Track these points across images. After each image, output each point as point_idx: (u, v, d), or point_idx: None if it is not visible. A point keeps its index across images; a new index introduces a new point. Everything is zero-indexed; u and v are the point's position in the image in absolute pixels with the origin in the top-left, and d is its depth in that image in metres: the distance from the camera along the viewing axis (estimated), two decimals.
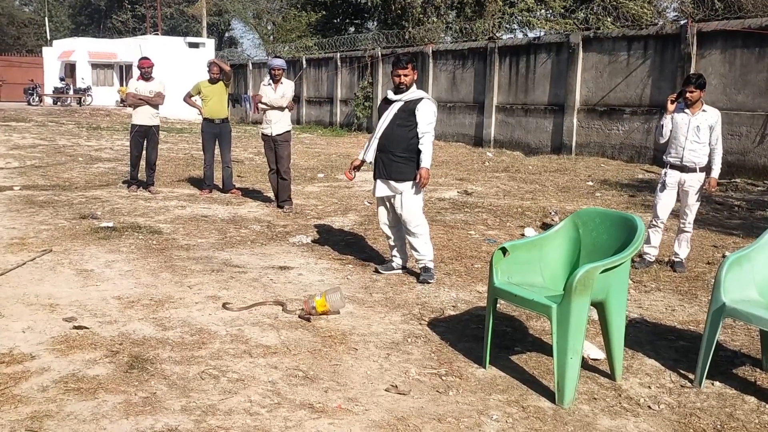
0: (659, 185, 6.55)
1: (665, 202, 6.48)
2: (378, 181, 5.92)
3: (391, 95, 5.87)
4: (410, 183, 5.78)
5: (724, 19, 13.87)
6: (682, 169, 6.36)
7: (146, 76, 10.09)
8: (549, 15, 27.38)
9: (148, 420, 3.31)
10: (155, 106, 10.13)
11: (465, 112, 20.01)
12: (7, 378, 3.72)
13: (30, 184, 10.65)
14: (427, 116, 5.76)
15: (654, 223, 6.54)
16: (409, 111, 5.74)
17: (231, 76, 10.44)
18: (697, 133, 6.25)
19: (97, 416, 3.33)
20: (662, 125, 6.40)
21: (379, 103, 6.08)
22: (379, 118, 5.92)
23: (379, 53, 23.50)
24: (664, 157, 6.54)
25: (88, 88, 32.75)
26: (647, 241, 6.51)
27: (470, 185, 11.86)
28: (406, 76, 5.74)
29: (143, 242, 7.02)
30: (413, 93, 5.82)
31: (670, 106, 6.36)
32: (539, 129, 17.63)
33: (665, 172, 6.49)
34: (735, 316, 3.82)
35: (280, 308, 5.00)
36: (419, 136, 5.73)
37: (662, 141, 6.46)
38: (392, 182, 5.82)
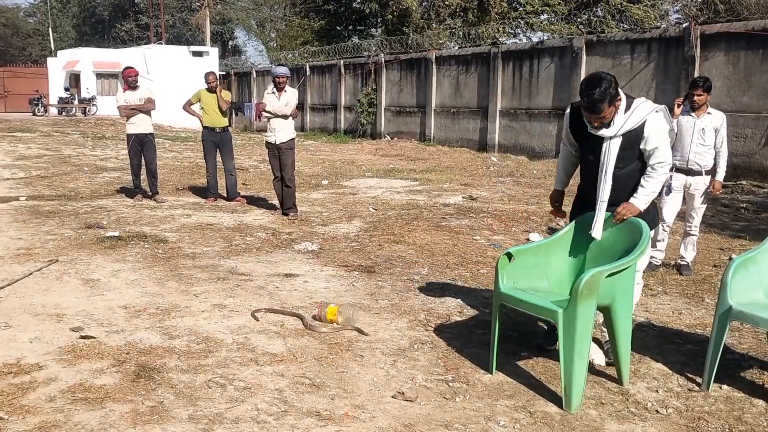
0: (664, 188, 6.51)
1: (671, 205, 6.46)
2: None
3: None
4: None
5: (728, 21, 13.87)
6: (688, 172, 6.35)
7: (133, 85, 10.10)
8: (552, 19, 27.41)
9: (155, 429, 3.31)
10: (148, 113, 10.17)
11: (469, 117, 20.02)
12: (15, 388, 3.73)
13: (36, 195, 10.69)
14: None
15: (660, 226, 6.52)
16: None
17: (230, 103, 10.40)
18: (703, 135, 6.24)
19: (105, 426, 3.33)
20: None
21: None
22: None
23: (383, 59, 23.55)
24: None
25: (93, 98, 32.85)
26: (653, 245, 6.48)
27: (475, 190, 11.85)
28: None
29: (149, 251, 7.03)
30: None
31: (677, 110, 6.35)
32: (543, 133, 17.63)
33: (670, 175, 6.45)
34: (742, 319, 3.81)
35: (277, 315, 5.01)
36: None
37: None
38: None
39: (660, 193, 6.51)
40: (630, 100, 4.11)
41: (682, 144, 6.34)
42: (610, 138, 4.05)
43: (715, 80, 13.51)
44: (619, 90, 4.03)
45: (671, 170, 6.42)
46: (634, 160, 4.12)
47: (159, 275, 6.11)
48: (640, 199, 4.09)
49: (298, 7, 37.48)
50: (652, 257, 6.53)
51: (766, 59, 12.95)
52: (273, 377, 3.95)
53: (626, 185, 4.13)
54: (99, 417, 3.42)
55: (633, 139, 4.05)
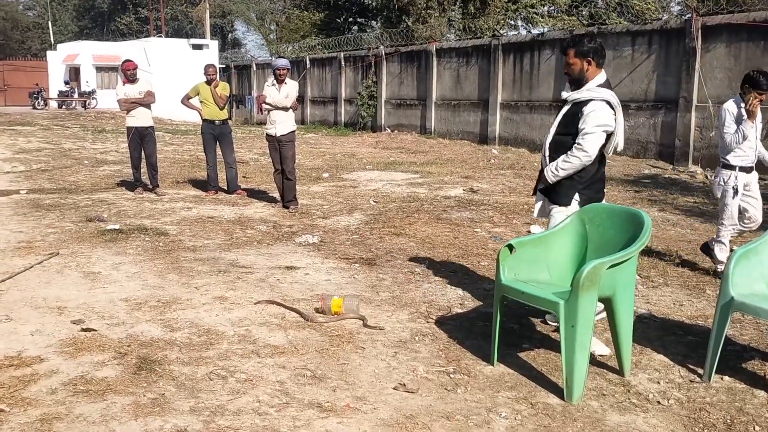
0: (731, 191, 6.05)
1: (736, 206, 6.08)
2: None
3: None
4: None
5: (729, 12, 13.80)
6: (749, 170, 6.06)
7: (132, 78, 10.08)
8: (553, 11, 27.34)
9: (157, 421, 3.31)
10: (148, 106, 10.15)
11: (470, 109, 19.99)
12: (16, 381, 3.73)
13: (36, 188, 10.68)
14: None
15: (733, 230, 6.15)
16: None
17: (226, 98, 10.34)
18: (760, 131, 6.11)
19: (107, 418, 3.34)
20: (745, 133, 5.87)
21: None
22: None
23: (383, 52, 23.49)
24: (729, 161, 6.03)
25: (93, 92, 32.82)
26: (721, 244, 6.16)
27: (476, 183, 11.84)
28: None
29: (150, 244, 7.03)
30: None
31: (757, 112, 5.85)
32: (544, 126, 17.57)
33: (736, 177, 6.01)
34: (743, 310, 3.81)
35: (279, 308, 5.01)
36: None
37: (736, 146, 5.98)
38: None
39: (730, 196, 6.05)
40: (606, 84, 4.40)
41: (749, 143, 5.92)
42: (565, 103, 4.47)
43: (716, 72, 13.53)
44: (603, 69, 4.39)
45: (734, 170, 6.01)
46: (570, 135, 4.40)
47: (160, 268, 6.11)
48: (550, 169, 4.49)
49: (298, 0, 37.38)
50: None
51: (767, 51, 12.91)
52: (274, 369, 3.95)
53: (557, 153, 4.47)
54: (100, 409, 3.42)
55: (574, 111, 4.38)
